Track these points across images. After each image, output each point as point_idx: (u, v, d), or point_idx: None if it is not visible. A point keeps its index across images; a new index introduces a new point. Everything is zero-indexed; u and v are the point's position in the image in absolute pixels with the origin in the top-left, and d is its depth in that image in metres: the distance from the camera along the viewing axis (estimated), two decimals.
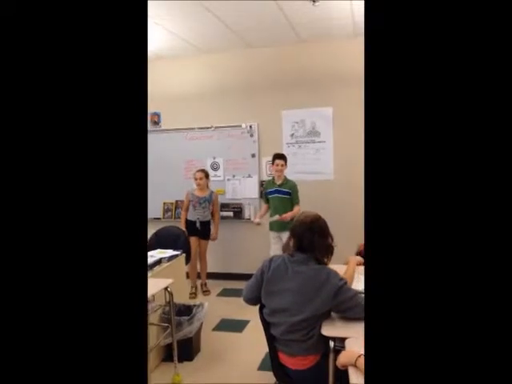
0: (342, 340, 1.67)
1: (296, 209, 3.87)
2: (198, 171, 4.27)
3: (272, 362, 1.93)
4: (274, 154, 4.05)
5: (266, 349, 2.01)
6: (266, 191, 4.09)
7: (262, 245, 4.28)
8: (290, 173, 4.53)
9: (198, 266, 4.40)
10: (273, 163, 4.02)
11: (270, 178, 4.26)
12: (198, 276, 4.42)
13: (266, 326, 1.90)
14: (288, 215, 3.82)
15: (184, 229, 4.24)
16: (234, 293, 4.32)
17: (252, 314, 2.03)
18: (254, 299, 1.93)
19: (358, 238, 1.98)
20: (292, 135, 4.56)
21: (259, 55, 4.57)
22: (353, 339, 1.62)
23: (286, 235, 3.72)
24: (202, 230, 4.28)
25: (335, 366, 1.70)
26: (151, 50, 4.45)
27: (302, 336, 1.77)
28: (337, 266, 2.02)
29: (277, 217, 3.89)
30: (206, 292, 4.38)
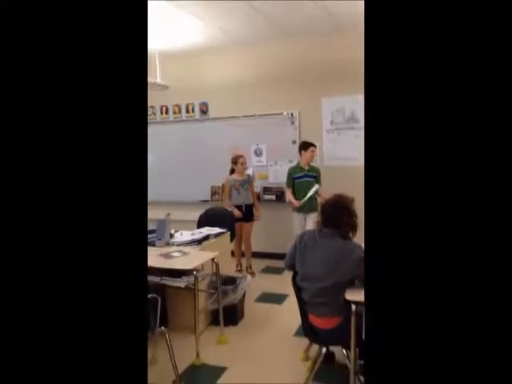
0: (363, 304, 1.92)
1: (321, 190, 4.29)
2: (242, 156, 4.50)
3: (302, 322, 2.23)
4: (305, 142, 4.33)
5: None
6: (295, 176, 4.33)
7: None
8: (330, 159, 4.74)
9: (243, 247, 4.68)
10: (306, 150, 4.28)
11: (294, 164, 4.50)
12: (243, 255, 4.75)
13: (298, 290, 2.20)
14: (325, 195, 4.02)
15: (234, 210, 4.37)
16: (276, 270, 4.65)
17: (291, 289, 2.33)
18: (289, 265, 2.27)
19: None
20: (332, 122, 4.75)
21: (299, 46, 4.77)
22: None
23: (311, 216, 4.11)
24: (247, 213, 4.51)
25: (357, 327, 1.97)
26: (198, 44, 4.78)
27: (328, 299, 2.05)
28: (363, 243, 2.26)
29: (312, 191, 4.18)
30: (251, 274, 4.54)
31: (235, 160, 4.48)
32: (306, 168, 4.33)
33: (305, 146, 4.32)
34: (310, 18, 4.10)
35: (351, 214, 2.12)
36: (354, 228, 2.12)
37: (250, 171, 5.03)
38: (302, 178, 4.31)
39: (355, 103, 4.59)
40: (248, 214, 4.53)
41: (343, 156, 4.72)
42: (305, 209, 4.31)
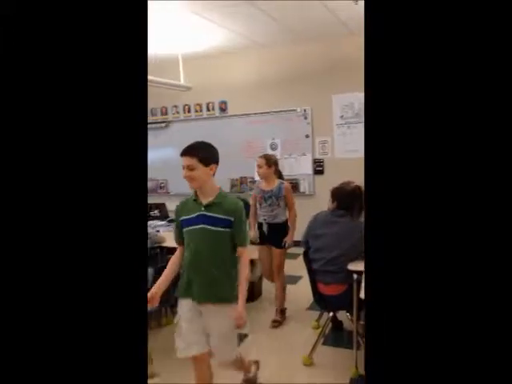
0: (361, 273, 2.28)
1: (245, 258, 1.92)
2: (259, 157, 3.20)
3: (313, 291, 2.60)
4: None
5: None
6: (182, 218, 1.94)
7: None
8: (341, 151, 5.07)
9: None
10: (206, 166, 1.93)
11: (190, 195, 2.02)
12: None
13: (309, 262, 2.59)
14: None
15: (252, 230, 3.16)
16: (291, 256, 4.99)
17: (303, 271, 2.72)
18: (304, 243, 2.67)
19: None
20: (342, 117, 5.08)
21: (310, 48, 5.13)
22: None
23: (219, 312, 1.76)
24: (273, 236, 3.17)
25: (358, 294, 2.33)
26: (216, 47, 5.16)
27: (335, 269, 2.43)
28: None
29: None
30: (275, 323, 3.18)
31: None
32: (204, 202, 1.90)
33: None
34: (320, 22, 4.43)
35: (361, 202, 2.49)
36: (361, 213, 2.49)
37: None
38: (192, 222, 1.91)
39: (363, 99, 4.91)
40: (275, 235, 3.17)
41: (352, 148, 5.05)
42: (198, 295, 1.87)
